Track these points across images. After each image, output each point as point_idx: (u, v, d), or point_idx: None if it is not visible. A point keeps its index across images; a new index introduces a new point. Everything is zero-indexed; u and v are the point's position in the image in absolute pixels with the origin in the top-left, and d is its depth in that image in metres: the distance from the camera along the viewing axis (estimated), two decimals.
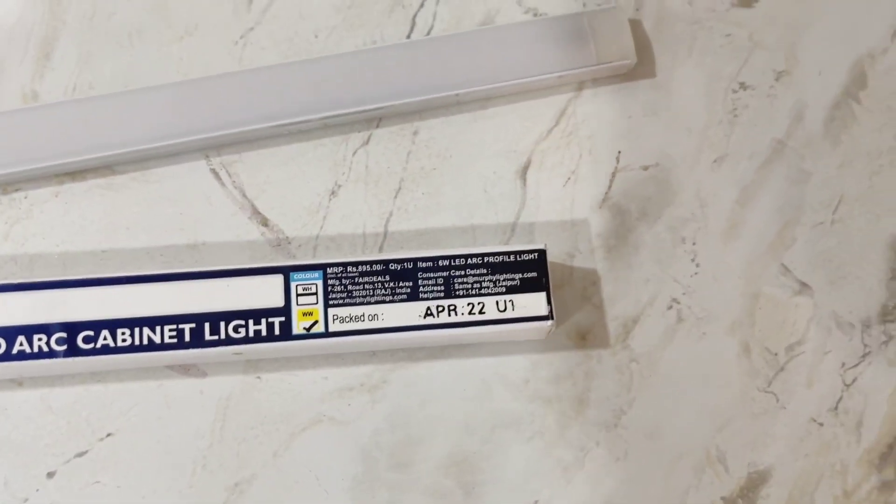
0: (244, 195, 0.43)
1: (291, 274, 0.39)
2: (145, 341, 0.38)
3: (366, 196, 0.44)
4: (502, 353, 0.42)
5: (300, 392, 0.41)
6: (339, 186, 0.44)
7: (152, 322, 0.38)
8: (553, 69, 0.44)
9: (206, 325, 0.38)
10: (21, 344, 0.38)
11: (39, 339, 0.38)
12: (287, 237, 0.43)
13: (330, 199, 0.43)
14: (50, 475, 0.40)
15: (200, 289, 0.39)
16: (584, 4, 0.46)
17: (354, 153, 0.44)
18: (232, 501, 0.40)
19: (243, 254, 0.42)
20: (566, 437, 0.41)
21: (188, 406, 0.41)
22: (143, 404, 0.41)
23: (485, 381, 0.41)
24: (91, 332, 0.38)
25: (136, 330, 0.38)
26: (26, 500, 0.39)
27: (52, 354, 0.38)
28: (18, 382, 0.41)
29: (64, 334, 0.38)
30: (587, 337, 0.42)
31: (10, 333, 0.38)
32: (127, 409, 0.40)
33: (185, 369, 0.41)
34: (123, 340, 0.38)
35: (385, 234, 0.43)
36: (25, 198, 0.43)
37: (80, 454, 0.40)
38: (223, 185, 0.43)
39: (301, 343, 0.39)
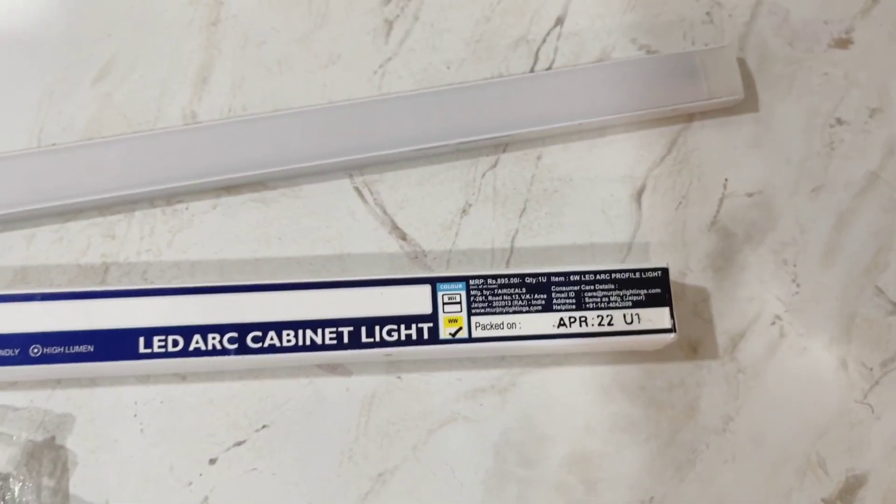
0: (384, 211, 0.47)
1: (438, 284, 0.43)
2: (308, 342, 0.42)
3: (494, 215, 0.48)
4: (620, 361, 0.46)
5: (437, 392, 0.45)
6: (470, 205, 0.48)
7: (314, 325, 0.42)
8: (667, 103, 0.48)
9: (363, 329, 0.42)
10: (197, 342, 0.42)
11: (213, 338, 0.42)
12: (423, 250, 0.47)
13: (461, 217, 0.48)
14: (212, 461, 0.44)
15: (357, 296, 0.43)
16: (693, 43, 0.50)
17: (483, 175, 0.48)
18: (376, 491, 0.44)
19: (383, 265, 0.47)
20: (678, 440, 0.45)
21: (336, 402, 0.45)
22: (295, 399, 0.45)
23: (604, 386, 0.45)
24: (259, 333, 0.42)
25: (300, 332, 0.42)
26: (190, 483, 0.43)
27: (224, 352, 0.42)
28: (182, 377, 0.45)
29: (235, 334, 0.42)
30: (698, 349, 0.46)
31: (187, 332, 0.42)
32: (281, 404, 0.45)
33: (333, 368, 0.45)
34: (288, 341, 0.42)
35: (511, 249, 0.47)
36: (187, 209, 0.47)
37: (239, 443, 0.44)
38: (365, 202, 0.48)
39: (444, 347, 0.43)
